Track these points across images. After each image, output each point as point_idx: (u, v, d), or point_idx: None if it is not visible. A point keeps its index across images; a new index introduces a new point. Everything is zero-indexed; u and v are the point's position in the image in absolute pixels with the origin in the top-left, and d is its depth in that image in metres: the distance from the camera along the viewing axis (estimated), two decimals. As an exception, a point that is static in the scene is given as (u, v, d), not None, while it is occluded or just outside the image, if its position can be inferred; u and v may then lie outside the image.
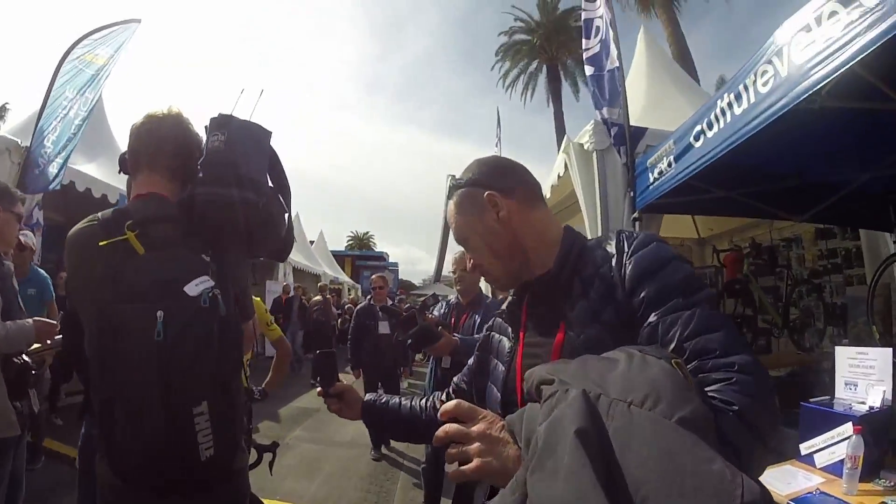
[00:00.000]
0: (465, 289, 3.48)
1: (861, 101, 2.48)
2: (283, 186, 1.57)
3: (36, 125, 4.97)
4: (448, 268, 3.73)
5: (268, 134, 1.49)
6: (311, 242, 21.56)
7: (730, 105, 2.49)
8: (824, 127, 2.73)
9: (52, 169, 5.06)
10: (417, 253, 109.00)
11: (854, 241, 5.05)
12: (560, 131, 24.82)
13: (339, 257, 27.49)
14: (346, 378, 7.62)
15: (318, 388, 1.50)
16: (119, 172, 1.65)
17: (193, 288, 1.27)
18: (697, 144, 3.08)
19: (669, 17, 16.67)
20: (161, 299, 1.23)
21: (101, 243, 1.27)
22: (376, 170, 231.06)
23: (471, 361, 1.38)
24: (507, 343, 1.18)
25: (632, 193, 3.86)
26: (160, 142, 1.47)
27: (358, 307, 6.22)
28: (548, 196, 5.50)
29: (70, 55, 5.20)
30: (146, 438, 1.19)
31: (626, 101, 4.05)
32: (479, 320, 3.29)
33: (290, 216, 1.60)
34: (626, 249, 1.01)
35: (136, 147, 1.49)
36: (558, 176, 4.87)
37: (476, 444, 0.84)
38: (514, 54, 27.19)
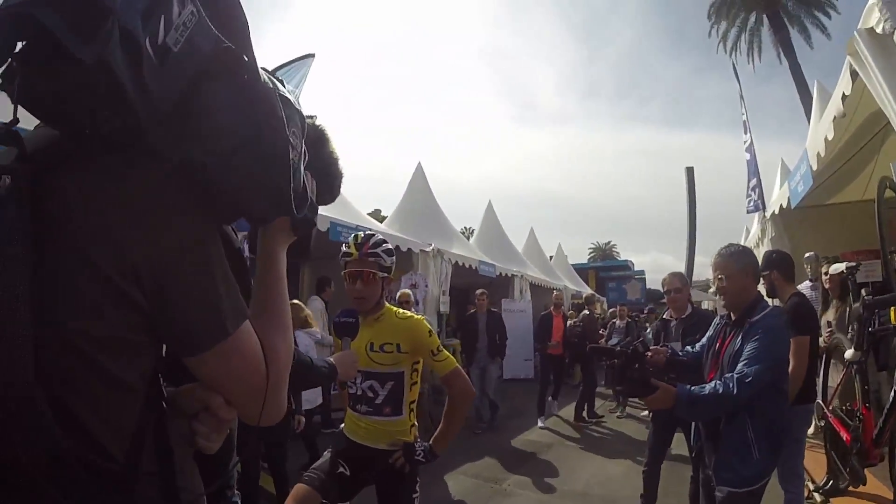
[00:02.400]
0: (730, 301, 2.56)
1: None
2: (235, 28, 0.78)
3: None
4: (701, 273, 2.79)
5: None
6: (550, 258, 20.93)
7: None
8: None
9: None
10: (665, 259, 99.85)
11: None
12: (802, 86, 20.62)
13: (581, 271, 26.31)
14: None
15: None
16: None
17: None
18: None
19: None
20: None
21: None
22: (609, 176, 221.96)
23: None
24: None
25: None
26: None
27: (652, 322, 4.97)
28: (830, 136, 3.74)
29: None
30: None
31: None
32: (739, 344, 2.37)
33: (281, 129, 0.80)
34: None
35: None
36: (842, 97, 3.17)
37: None
38: (729, 10, 23.93)
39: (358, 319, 2.17)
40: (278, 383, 0.84)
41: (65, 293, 0.67)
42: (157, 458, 0.76)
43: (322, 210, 6.32)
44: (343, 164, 1.25)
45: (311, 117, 1.20)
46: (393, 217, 10.95)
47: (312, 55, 5.82)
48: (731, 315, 2.56)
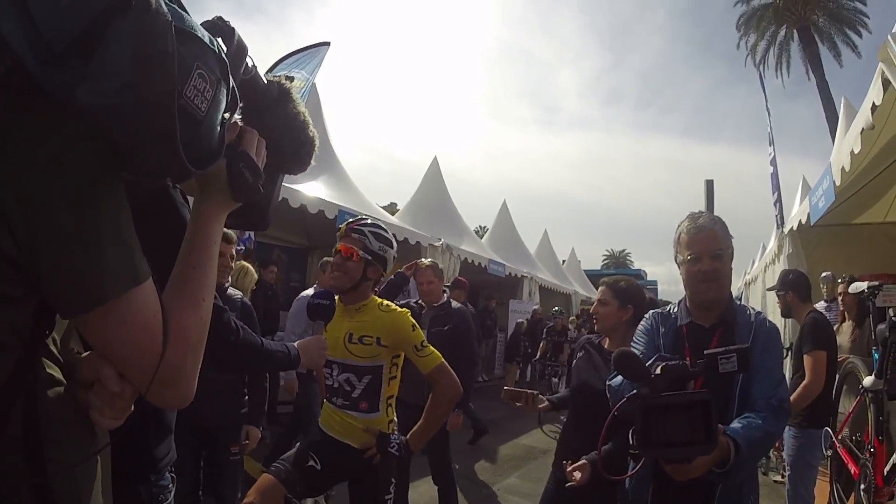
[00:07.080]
0: (719, 293, 1.81)
1: None
2: None
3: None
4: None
5: None
6: (563, 262, 20.81)
7: None
8: None
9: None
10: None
11: None
12: (828, 104, 20.64)
13: (593, 277, 26.17)
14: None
15: None
16: None
17: None
18: None
19: None
20: None
21: None
22: (628, 183, 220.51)
23: None
24: None
25: None
26: None
27: None
28: (857, 150, 3.56)
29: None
30: None
31: None
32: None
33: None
34: None
35: None
36: (872, 108, 3.00)
37: None
38: (758, 22, 23.78)
39: (334, 303, 2.06)
40: (182, 363, 0.75)
41: None
42: (23, 424, 0.69)
43: (332, 198, 6.26)
44: (313, 131, 1.13)
45: (275, 77, 1.08)
46: (405, 210, 10.88)
47: (328, 43, 5.78)
48: (692, 314, 1.84)
